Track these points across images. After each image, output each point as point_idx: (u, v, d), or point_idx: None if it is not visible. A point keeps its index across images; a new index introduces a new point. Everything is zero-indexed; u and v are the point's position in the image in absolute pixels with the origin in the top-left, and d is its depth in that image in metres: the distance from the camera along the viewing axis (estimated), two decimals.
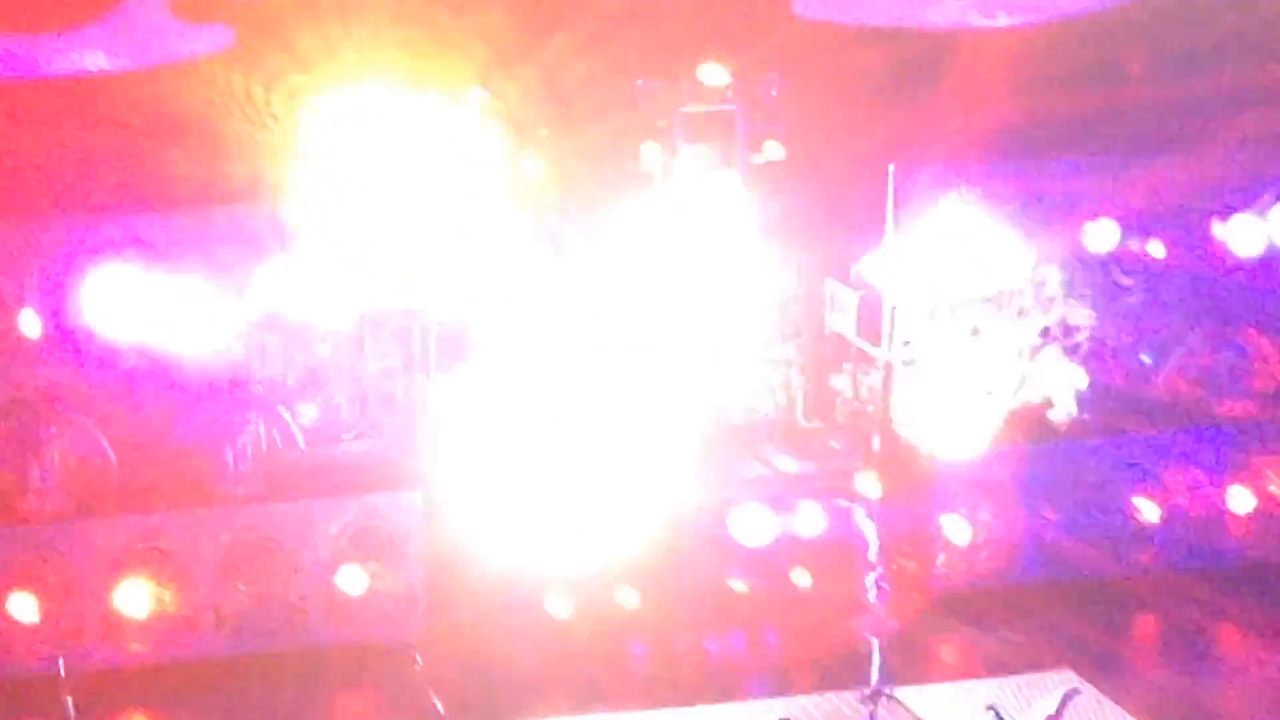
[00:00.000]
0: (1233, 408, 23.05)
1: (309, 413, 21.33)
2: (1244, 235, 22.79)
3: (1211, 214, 22.84)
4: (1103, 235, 22.70)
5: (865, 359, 22.37)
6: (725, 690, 19.72)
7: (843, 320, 22.50)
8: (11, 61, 20.16)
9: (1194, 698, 19.96)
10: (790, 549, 21.34)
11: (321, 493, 20.97)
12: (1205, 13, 22.18)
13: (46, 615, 20.04)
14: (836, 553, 20.83)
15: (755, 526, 21.28)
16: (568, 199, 21.56)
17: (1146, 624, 21.82)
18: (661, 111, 21.57)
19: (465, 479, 20.99)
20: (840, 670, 18.97)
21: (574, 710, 19.50)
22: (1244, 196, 22.80)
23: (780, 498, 21.41)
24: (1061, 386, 22.71)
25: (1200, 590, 21.83)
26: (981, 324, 22.30)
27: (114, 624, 20.30)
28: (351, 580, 20.76)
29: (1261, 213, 22.78)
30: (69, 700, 16.78)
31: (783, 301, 22.59)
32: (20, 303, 20.38)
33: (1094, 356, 22.88)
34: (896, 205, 21.84)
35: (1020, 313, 22.49)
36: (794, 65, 21.68)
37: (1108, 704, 18.98)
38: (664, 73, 21.48)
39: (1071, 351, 22.71)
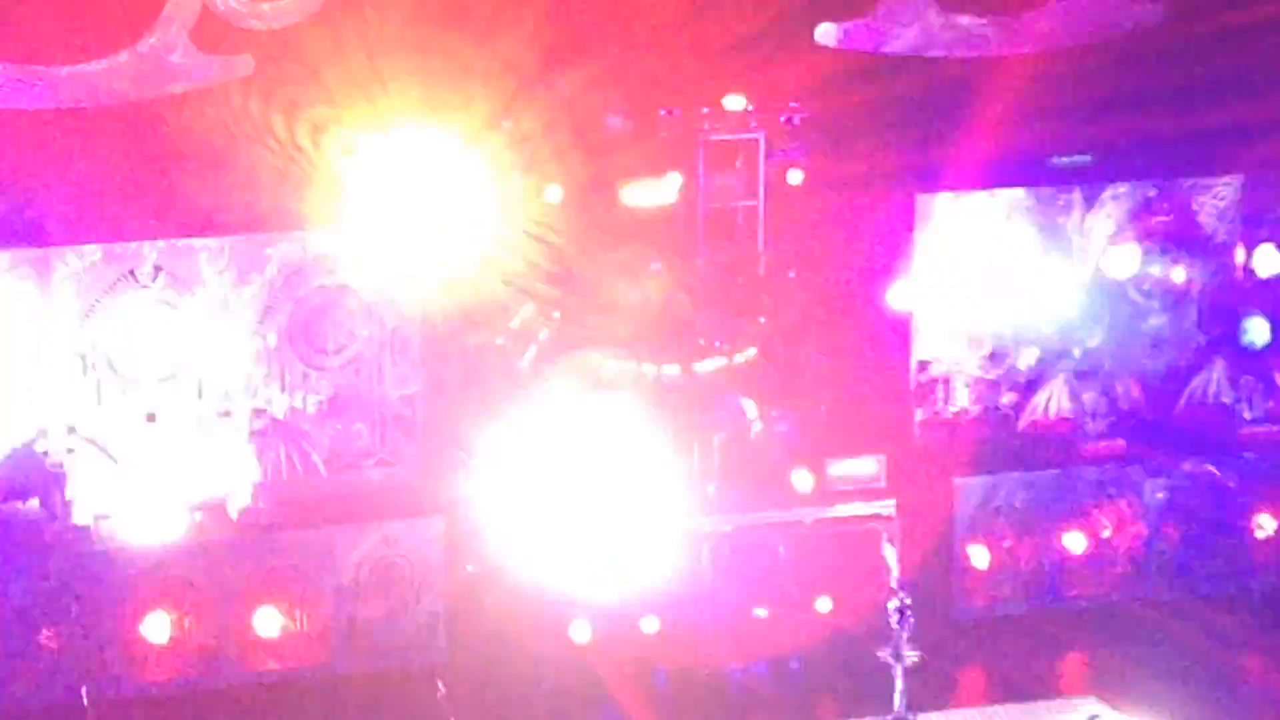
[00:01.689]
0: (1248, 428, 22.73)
1: (330, 440, 21.03)
2: (1265, 262, 22.63)
3: (1235, 243, 22.65)
4: (1123, 260, 22.54)
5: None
6: (746, 711, 19.50)
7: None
8: (23, 90, 19.90)
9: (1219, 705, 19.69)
10: (812, 573, 20.91)
11: (343, 519, 20.65)
12: (1219, 41, 21.88)
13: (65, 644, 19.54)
14: (859, 578, 20.32)
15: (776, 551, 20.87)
16: (590, 228, 21.27)
17: (1169, 650, 21.16)
18: (683, 142, 21.36)
19: (487, 506, 20.67)
20: (862, 694, 18.49)
21: None
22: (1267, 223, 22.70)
23: (802, 524, 21.02)
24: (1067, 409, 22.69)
25: (1222, 616, 21.57)
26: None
27: (144, 648, 19.84)
28: (370, 608, 20.42)
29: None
30: None
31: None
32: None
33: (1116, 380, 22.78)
34: (920, 231, 21.91)
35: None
36: (816, 93, 21.44)
37: None
38: (688, 102, 21.24)
39: (1086, 376, 22.66)
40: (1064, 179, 22.29)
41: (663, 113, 21.28)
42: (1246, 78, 21.88)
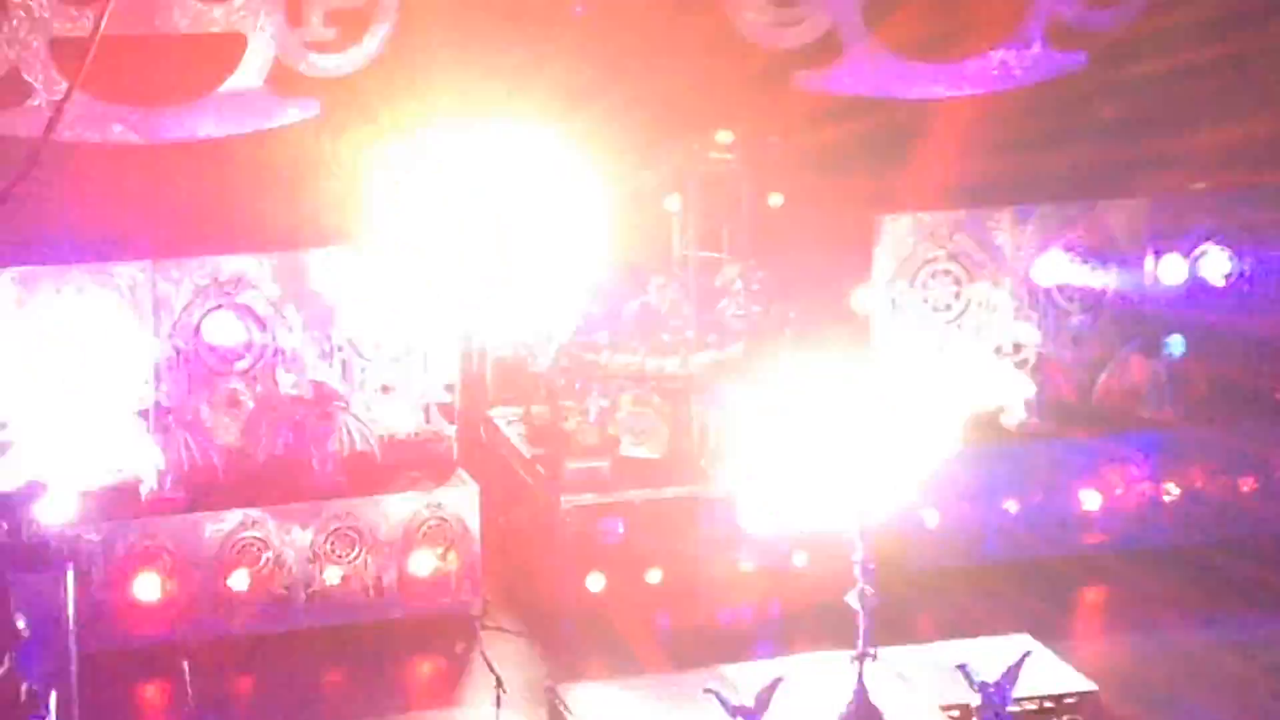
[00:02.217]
0: (1157, 415, 22.86)
1: (384, 418, 21.14)
2: (1170, 272, 22.80)
3: (1144, 253, 22.78)
4: (1050, 268, 22.66)
5: None
6: (734, 650, 19.34)
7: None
8: (138, 128, 20.23)
9: (1127, 658, 19.92)
10: (789, 534, 20.79)
11: (394, 488, 20.75)
12: (1133, 86, 22.29)
13: (165, 593, 19.82)
14: (829, 538, 19.76)
15: (758, 516, 20.69)
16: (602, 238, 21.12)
17: (1092, 596, 21.64)
18: (682, 168, 21.60)
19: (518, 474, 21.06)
20: (832, 634, 18.39)
21: (610, 672, 19.34)
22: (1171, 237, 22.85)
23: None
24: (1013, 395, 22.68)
25: (1133, 571, 21.68)
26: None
27: (227, 597, 20.08)
28: (420, 562, 20.54)
29: (1187, 253, 22.79)
30: (185, 665, 16.62)
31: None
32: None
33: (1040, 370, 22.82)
34: (879, 245, 21.96)
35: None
36: (792, 129, 21.85)
37: (1056, 661, 18.68)
38: (683, 135, 21.50)
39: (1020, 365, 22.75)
40: (996, 201, 22.43)
41: (664, 145, 21.57)
42: (1153, 115, 22.04)
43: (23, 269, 19.61)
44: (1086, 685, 18.36)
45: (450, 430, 21.23)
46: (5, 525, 18.00)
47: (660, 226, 21.78)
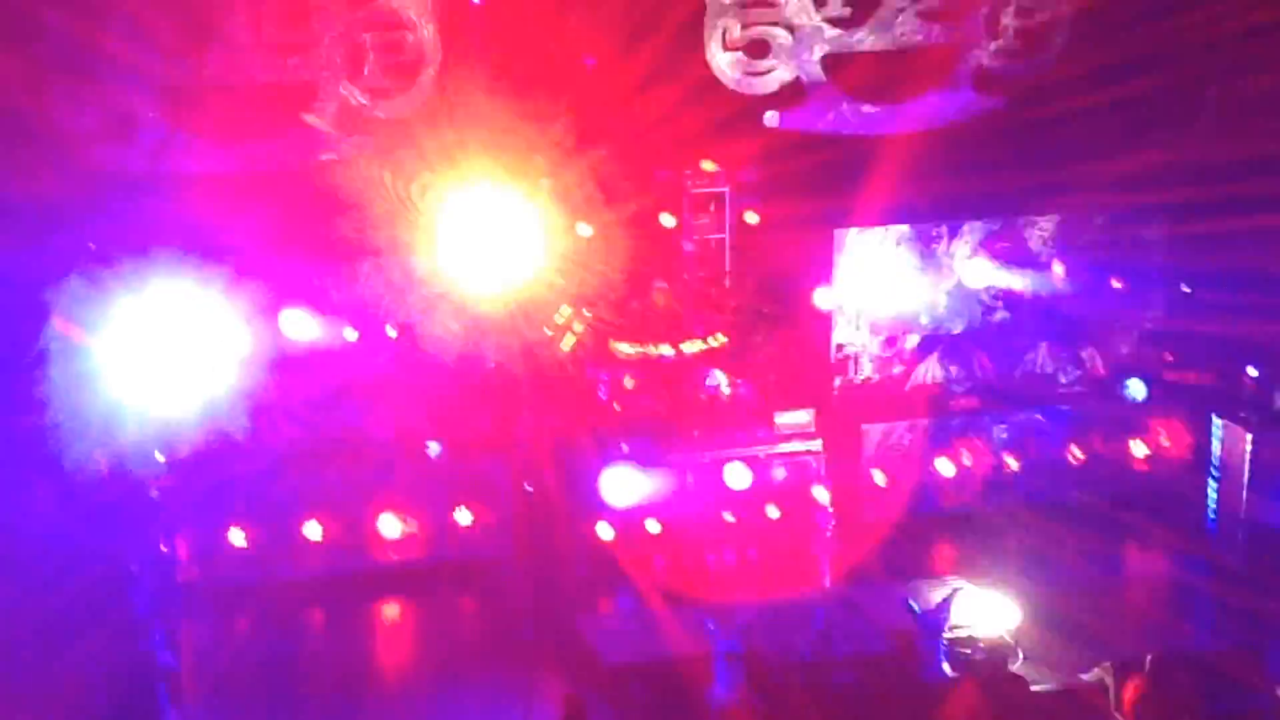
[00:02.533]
0: (1066, 392, 23.23)
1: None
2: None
3: (1052, 258, 23.06)
4: (976, 273, 22.97)
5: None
6: (720, 591, 19.69)
7: None
8: (213, 159, 20.32)
9: (1042, 592, 20.01)
10: (765, 492, 21.30)
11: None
12: (1044, 123, 22.06)
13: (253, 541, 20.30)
14: (798, 495, 20.87)
15: (738, 476, 21.31)
16: (610, 253, 21.43)
17: (1011, 542, 21.63)
18: (674, 192, 21.88)
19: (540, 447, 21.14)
20: (800, 573, 19.16)
21: (614, 606, 19.92)
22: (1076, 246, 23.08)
23: (758, 457, 21.39)
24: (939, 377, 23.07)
25: (1047, 520, 21.83)
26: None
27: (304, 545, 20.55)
28: (463, 514, 21.01)
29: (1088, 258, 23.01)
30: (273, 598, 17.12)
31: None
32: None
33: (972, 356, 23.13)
34: (837, 254, 22.38)
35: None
36: (766, 159, 21.87)
37: (985, 593, 19.10)
38: (675, 165, 21.75)
39: (951, 354, 23.06)
40: (934, 218, 22.69)
41: (660, 173, 21.82)
42: (1061, 146, 21.88)
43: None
44: (1011, 613, 18.79)
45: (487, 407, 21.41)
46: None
47: (658, 239, 21.90)
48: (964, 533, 21.69)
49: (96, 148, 19.36)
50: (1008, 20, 22.40)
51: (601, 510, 20.97)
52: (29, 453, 16.53)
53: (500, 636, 19.71)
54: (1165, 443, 22.66)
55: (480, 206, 20.56)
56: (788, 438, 21.50)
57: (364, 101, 20.81)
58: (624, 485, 21.08)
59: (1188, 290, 23.32)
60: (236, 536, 20.32)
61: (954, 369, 23.12)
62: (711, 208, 21.96)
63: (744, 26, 21.75)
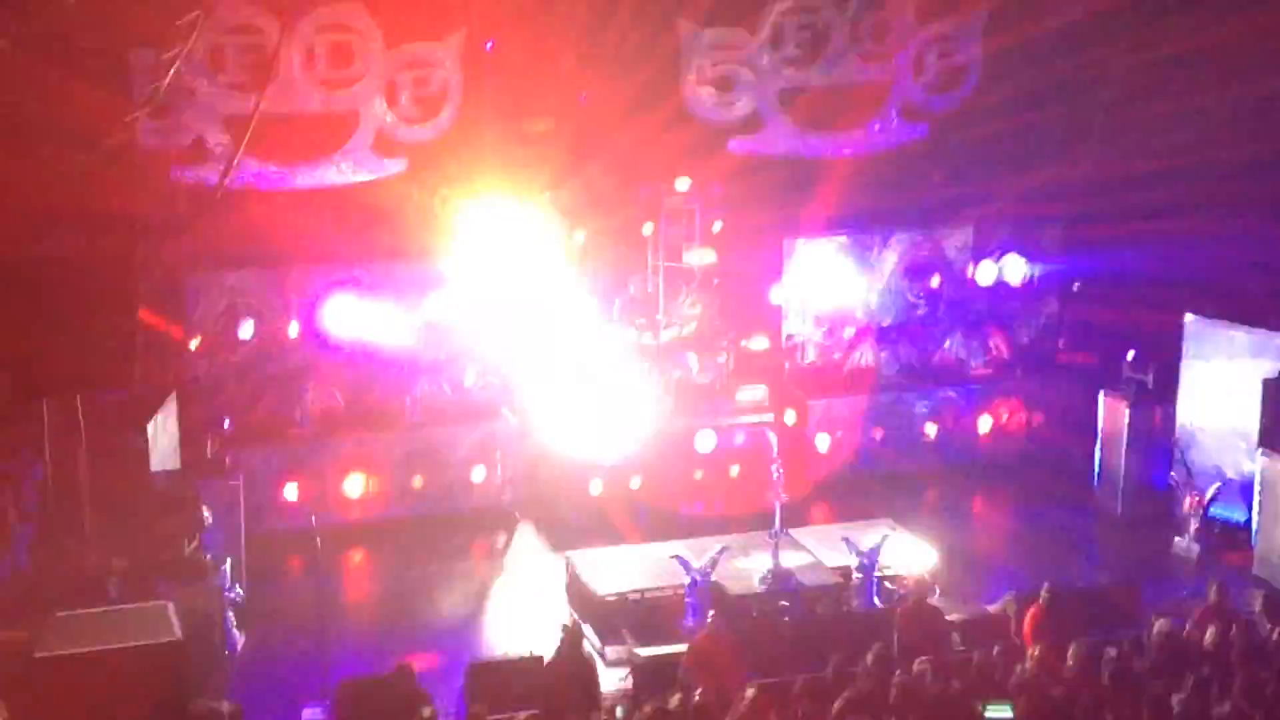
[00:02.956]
0: (977, 372, 23.27)
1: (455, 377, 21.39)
2: (984, 275, 23.10)
3: (967, 262, 23.09)
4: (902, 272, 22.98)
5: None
6: (691, 532, 19.52)
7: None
8: (276, 179, 20.31)
9: (959, 536, 20.11)
10: (728, 454, 21.42)
11: (461, 421, 21.13)
12: (960, 147, 22.25)
13: (303, 493, 20.26)
14: (755, 456, 20.76)
15: (706, 441, 21.42)
16: (600, 256, 21.75)
17: (931, 496, 21.80)
18: (654, 205, 21.79)
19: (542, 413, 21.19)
20: (757, 521, 19.05)
21: (605, 543, 19.50)
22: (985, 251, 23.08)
23: (722, 425, 21.44)
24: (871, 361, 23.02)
25: (960, 478, 22.07)
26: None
27: (343, 498, 20.51)
28: (477, 472, 20.95)
29: (995, 260, 23.02)
30: (318, 540, 16.64)
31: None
32: (287, 316, 20.71)
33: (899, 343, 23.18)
34: (787, 259, 22.37)
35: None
36: (729, 178, 21.90)
37: (909, 537, 18.99)
38: (654, 182, 21.62)
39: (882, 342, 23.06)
40: (867, 229, 22.66)
41: (642, 189, 21.67)
42: (974, 167, 22.08)
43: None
44: (930, 555, 18.73)
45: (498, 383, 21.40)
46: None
47: (639, 245, 21.82)
48: (892, 488, 21.59)
49: (176, 169, 19.26)
50: (930, 61, 22.39)
51: (592, 470, 20.88)
52: (135, 421, 16.49)
53: (509, 573, 19.74)
54: (1058, 413, 22.59)
55: (493, 215, 20.49)
56: (746, 410, 21.51)
57: (397, 128, 20.66)
58: (612, 449, 20.96)
59: (1077, 287, 23.37)
60: (291, 490, 20.27)
61: (884, 354, 23.08)
62: (684, 218, 21.82)
63: (713, 65, 21.71)
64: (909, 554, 18.70)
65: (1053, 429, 22.65)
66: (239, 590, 17.68)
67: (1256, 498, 18.88)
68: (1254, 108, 19.29)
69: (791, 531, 18.54)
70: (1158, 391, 20.64)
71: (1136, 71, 21.62)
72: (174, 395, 18.98)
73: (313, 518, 17.27)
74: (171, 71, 16.38)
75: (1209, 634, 14.90)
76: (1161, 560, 19.48)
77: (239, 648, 17.30)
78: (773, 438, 19.37)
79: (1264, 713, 13.11)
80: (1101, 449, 21.19)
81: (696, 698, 13.52)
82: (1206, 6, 19.64)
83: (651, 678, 15.34)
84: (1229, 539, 19.46)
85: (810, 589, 17.78)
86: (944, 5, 21.85)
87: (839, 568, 18.21)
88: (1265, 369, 19.30)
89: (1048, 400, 22.78)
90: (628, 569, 18.57)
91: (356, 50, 20.25)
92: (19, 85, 15.17)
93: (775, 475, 18.40)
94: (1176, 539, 19.91)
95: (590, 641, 16.56)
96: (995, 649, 14.60)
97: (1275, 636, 15.12)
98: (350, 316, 20.79)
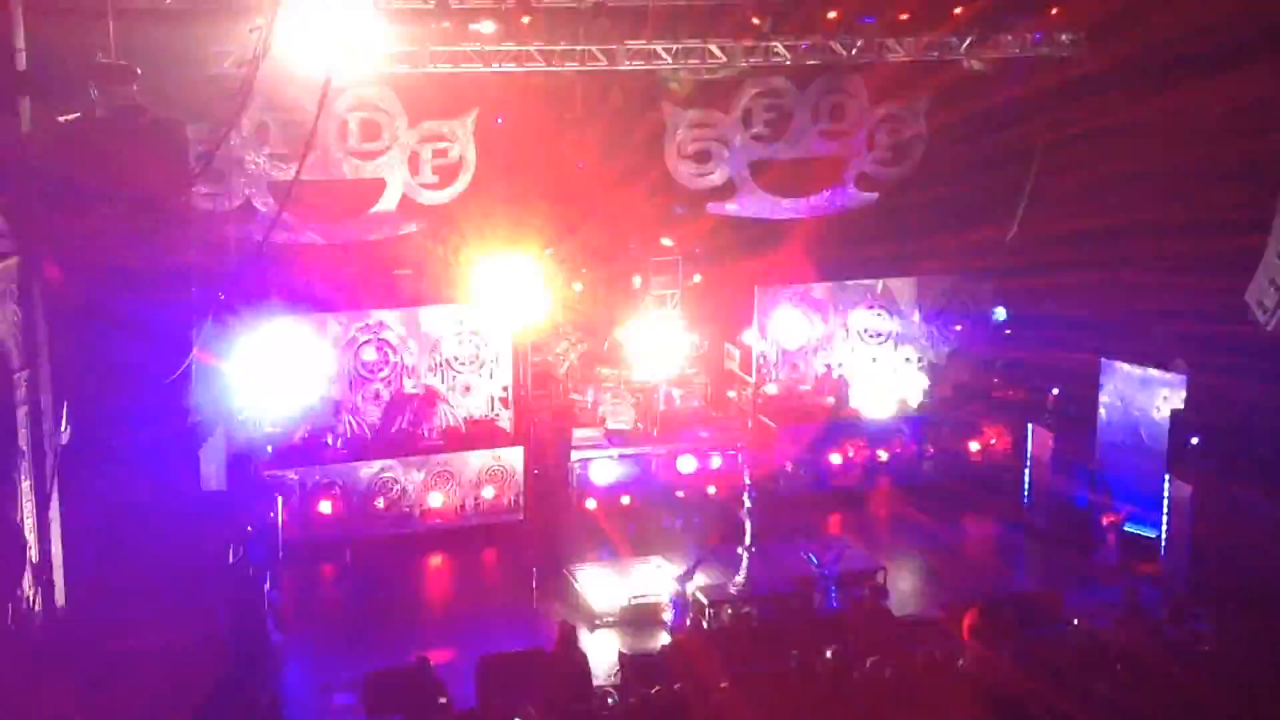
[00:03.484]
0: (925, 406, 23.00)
1: (466, 406, 21.20)
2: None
3: (914, 309, 22.95)
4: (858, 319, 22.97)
5: (743, 383, 22.67)
6: (673, 545, 19.57)
7: (731, 363, 22.95)
8: (321, 234, 20.35)
9: (904, 547, 20.17)
10: (705, 476, 21.43)
11: (474, 446, 20.94)
12: (905, 210, 22.00)
13: (335, 511, 20.13)
14: (729, 478, 20.85)
15: (688, 464, 21.41)
16: (596, 304, 21.89)
17: (884, 514, 21.61)
18: (641, 259, 22.02)
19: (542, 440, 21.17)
20: (731, 534, 18.93)
21: (597, 559, 19.56)
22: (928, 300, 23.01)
23: (700, 450, 21.51)
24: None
25: (907, 496, 21.75)
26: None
27: (373, 513, 20.32)
28: (487, 491, 20.76)
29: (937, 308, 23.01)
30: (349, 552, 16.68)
31: (701, 352, 22.79)
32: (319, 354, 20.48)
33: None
34: (758, 305, 22.29)
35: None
36: (707, 237, 22.05)
37: (861, 553, 19.10)
38: (642, 240, 21.86)
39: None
40: (827, 278, 22.59)
41: (631, 245, 22.01)
42: (919, 227, 21.84)
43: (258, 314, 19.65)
44: (876, 563, 18.81)
45: (507, 413, 21.26)
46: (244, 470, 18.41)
47: (629, 295, 21.99)
48: (848, 505, 21.56)
49: (225, 226, 19.20)
50: (881, 138, 22.39)
51: (588, 488, 20.94)
52: (183, 445, 16.40)
53: (514, 580, 19.47)
54: (993, 442, 22.50)
55: (502, 268, 20.47)
56: (723, 436, 21.55)
57: (419, 192, 20.67)
58: (605, 471, 21.10)
59: (1009, 331, 23.37)
60: (325, 506, 20.14)
61: (845, 390, 22.89)
62: (668, 270, 21.96)
63: (693, 141, 21.72)
64: (862, 564, 18.66)
65: (988, 454, 22.52)
66: (278, 594, 17.58)
67: (1165, 515, 18.88)
68: (1160, 177, 19.39)
69: (759, 545, 18.42)
70: (1078, 422, 20.59)
71: (1058, 146, 21.66)
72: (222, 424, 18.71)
73: (345, 530, 17.09)
74: (222, 142, 16.33)
75: (1123, 634, 14.90)
76: (1082, 570, 19.40)
77: (278, 644, 17.21)
78: (744, 465, 19.40)
79: (1170, 700, 13.10)
80: (1030, 472, 21.12)
81: (676, 689, 13.50)
82: (1118, 91, 19.78)
83: (637, 671, 15.29)
84: (1141, 551, 19.39)
85: (777, 594, 17.75)
86: (893, 90, 21.83)
87: (802, 576, 18.17)
88: (1171, 403, 19.29)
89: (983, 429, 22.62)
90: (617, 577, 18.52)
91: (384, 126, 20.26)
92: (91, 155, 15.16)
93: (746, 493, 18.41)
94: (1096, 551, 19.85)
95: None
96: (938, 647, 14.61)
97: (1180, 635, 15.14)
98: (379, 355, 20.74)
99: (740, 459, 20.61)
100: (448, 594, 19.25)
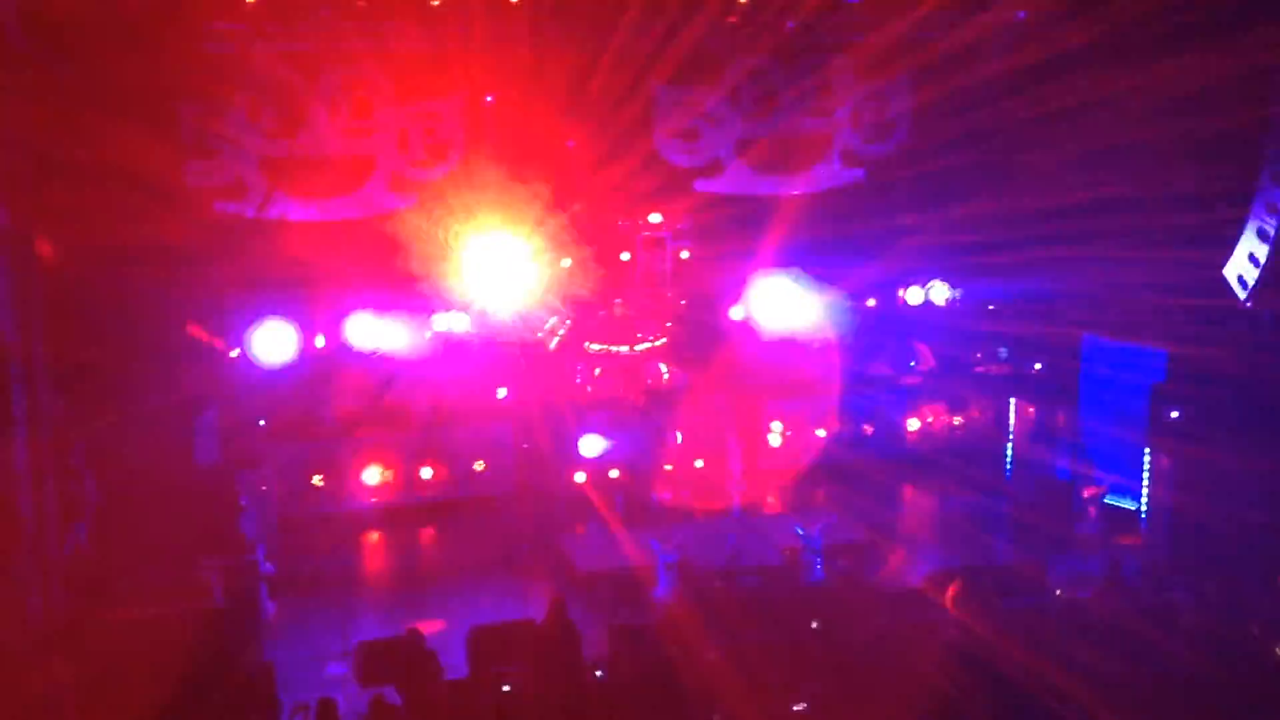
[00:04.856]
0: (907, 379, 23.26)
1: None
2: (913, 297, 23.00)
3: (898, 285, 23.05)
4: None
5: None
6: (662, 517, 19.80)
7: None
8: (311, 211, 20.02)
9: (888, 517, 20.47)
10: (693, 449, 21.37)
11: (465, 421, 20.98)
12: (893, 186, 21.98)
13: (328, 483, 20.30)
14: (718, 451, 21.00)
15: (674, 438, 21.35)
16: (584, 280, 21.46)
17: (863, 483, 21.53)
18: (629, 236, 21.84)
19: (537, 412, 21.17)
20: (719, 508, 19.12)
21: (586, 531, 19.80)
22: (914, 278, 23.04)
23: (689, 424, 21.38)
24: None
25: (890, 470, 22.00)
26: None
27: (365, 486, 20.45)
28: (478, 464, 20.94)
29: (923, 285, 22.96)
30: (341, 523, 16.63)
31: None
32: (314, 330, 20.38)
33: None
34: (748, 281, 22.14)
35: None
36: (695, 213, 21.83)
37: (848, 525, 19.22)
38: (630, 217, 21.68)
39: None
40: (814, 256, 22.37)
41: (620, 222, 21.74)
42: (905, 203, 21.77)
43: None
44: (862, 535, 18.97)
45: (502, 391, 21.36)
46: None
47: (619, 270, 21.78)
48: (834, 478, 21.65)
49: (217, 203, 19.08)
50: (866, 114, 22.10)
51: (577, 461, 20.96)
52: (178, 419, 16.44)
53: (505, 552, 19.67)
54: (976, 414, 22.61)
55: (492, 245, 20.38)
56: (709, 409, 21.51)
57: (408, 169, 20.38)
58: (594, 445, 21.09)
59: (992, 307, 23.22)
60: (317, 479, 20.24)
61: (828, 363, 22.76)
62: (656, 247, 21.81)
63: (680, 118, 21.44)
64: (848, 536, 18.73)
65: (971, 427, 22.65)
66: (271, 566, 17.60)
67: (1145, 488, 18.96)
68: (1140, 152, 19.35)
69: (748, 516, 18.47)
70: (1060, 396, 20.62)
71: (1040, 121, 21.18)
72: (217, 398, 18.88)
73: (336, 503, 17.06)
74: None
75: (1105, 604, 14.97)
76: (1065, 541, 19.53)
77: (272, 615, 17.22)
78: (733, 433, 19.42)
79: (1151, 669, 13.17)
80: (1013, 445, 21.22)
81: (665, 659, 13.55)
82: (1097, 67, 19.71)
83: (627, 642, 15.30)
84: (1122, 523, 19.49)
85: (765, 566, 17.83)
86: (877, 66, 21.60)
87: (789, 548, 18.24)
88: (1151, 377, 19.34)
89: (967, 401, 22.73)
90: (606, 548, 18.62)
91: (374, 104, 20.03)
92: (84, 134, 15.10)
93: (735, 466, 18.45)
94: (1077, 523, 19.91)
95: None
96: (922, 617, 14.74)
97: (1159, 605, 15.19)
98: (368, 331, 20.61)
99: (728, 433, 20.53)
100: (439, 566, 19.26)
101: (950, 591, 15.55)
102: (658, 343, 21.96)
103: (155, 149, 16.95)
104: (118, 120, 16.25)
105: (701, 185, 21.86)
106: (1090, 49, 19.55)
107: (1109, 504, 19.82)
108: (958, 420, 22.68)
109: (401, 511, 20.44)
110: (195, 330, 17.75)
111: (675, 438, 21.43)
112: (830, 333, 22.69)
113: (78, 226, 15.21)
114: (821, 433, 22.29)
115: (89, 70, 15.52)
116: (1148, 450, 18.93)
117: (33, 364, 14.49)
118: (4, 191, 14.55)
